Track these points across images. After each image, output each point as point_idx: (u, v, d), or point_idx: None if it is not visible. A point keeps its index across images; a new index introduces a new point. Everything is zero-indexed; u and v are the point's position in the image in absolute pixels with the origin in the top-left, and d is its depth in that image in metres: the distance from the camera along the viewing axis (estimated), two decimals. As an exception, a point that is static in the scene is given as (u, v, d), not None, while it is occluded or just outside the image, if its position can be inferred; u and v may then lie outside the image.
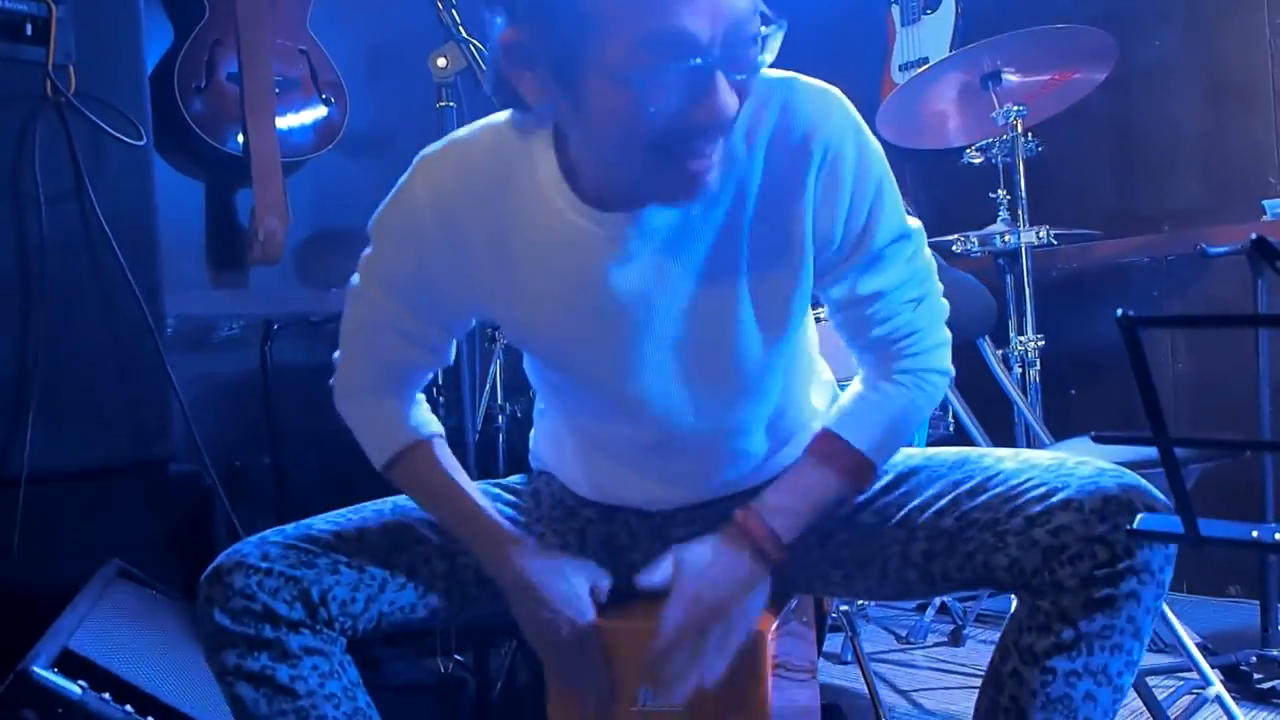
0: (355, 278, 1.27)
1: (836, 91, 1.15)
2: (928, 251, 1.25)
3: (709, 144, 1.02)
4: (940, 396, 1.27)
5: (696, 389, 1.21)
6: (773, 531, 1.17)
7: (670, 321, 1.16)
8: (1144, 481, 1.08)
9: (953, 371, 1.27)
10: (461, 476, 1.27)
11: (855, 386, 1.27)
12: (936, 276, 1.26)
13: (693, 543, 1.19)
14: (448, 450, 1.31)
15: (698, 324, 1.17)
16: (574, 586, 1.20)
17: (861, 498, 1.23)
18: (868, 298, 1.20)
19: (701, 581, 1.14)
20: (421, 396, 1.33)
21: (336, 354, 1.32)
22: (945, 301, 1.27)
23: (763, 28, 1.00)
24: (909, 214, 1.23)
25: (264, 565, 1.17)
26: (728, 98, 0.98)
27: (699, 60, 0.96)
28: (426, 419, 1.31)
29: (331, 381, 1.34)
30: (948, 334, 1.27)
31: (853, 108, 1.16)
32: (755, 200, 1.14)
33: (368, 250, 1.25)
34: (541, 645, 1.22)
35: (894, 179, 1.19)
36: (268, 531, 1.24)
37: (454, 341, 1.31)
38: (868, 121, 1.17)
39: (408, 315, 1.24)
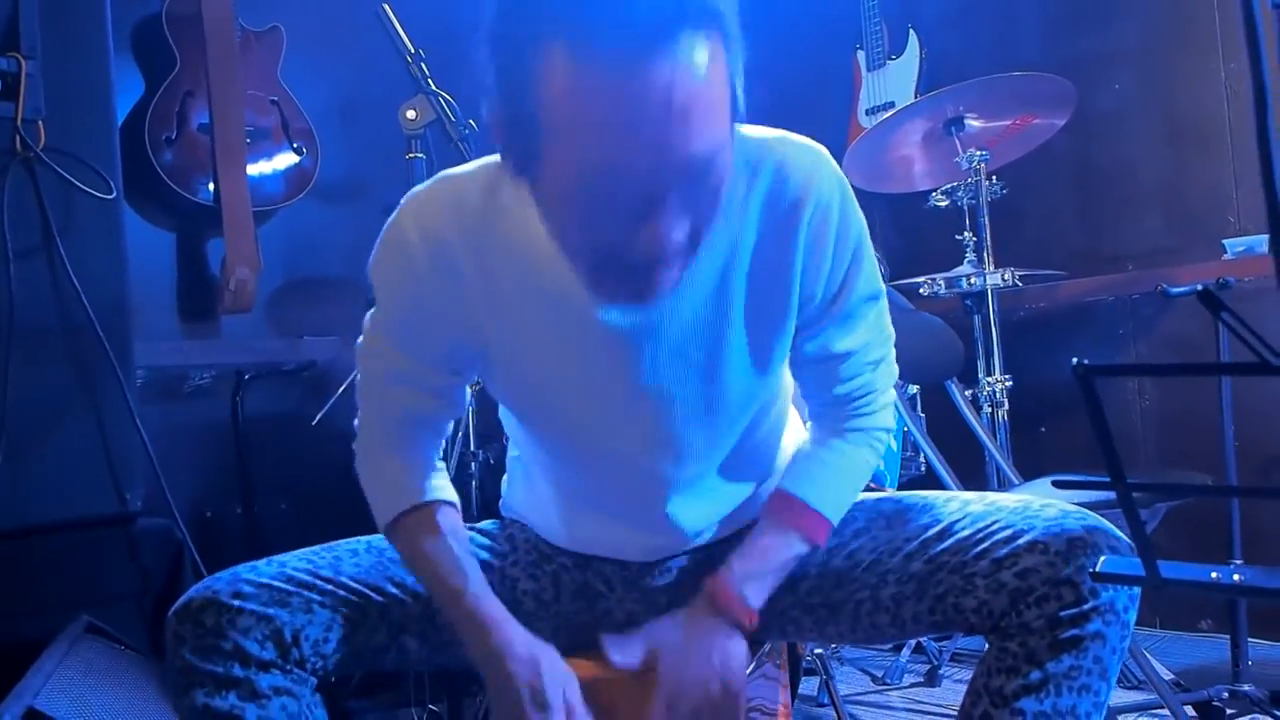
0: (360, 340, 1.26)
1: (824, 150, 1.17)
2: (888, 314, 1.28)
3: (651, 266, 0.97)
4: (883, 450, 1.31)
5: (678, 433, 1.21)
6: (743, 599, 1.17)
7: (657, 365, 1.17)
8: (1107, 523, 1.10)
9: (894, 427, 1.30)
10: (460, 549, 1.23)
11: (806, 443, 1.28)
12: (894, 339, 1.29)
13: (664, 624, 1.18)
14: (455, 521, 1.27)
15: (684, 369, 1.17)
16: (552, 686, 1.15)
17: (832, 543, 1.24)
18: (839, 356, 1.23)
19: (684, 672, 1.13)
20: (441, 465, 1.31)
21: (356, 420, 1.31)
22: (896, 365, 1.30)
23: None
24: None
25: (236, 603, 1.15)
26: (672, 230, 0.95)
27: (636, 192, 0.92)
28: (437, 485, 1.28)
29: (354, 445, 1.31)
30: (894, 393, 1.31)
31: (838, 166, 1.17)
32: (749, 257, 1.15)
33: (371, 309, 1.24)
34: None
35: (870, 240, 1.22)
36: (240, 568, 1.21)
37: (465, 387, 1.29)
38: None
39: (412, 362, 1.22)
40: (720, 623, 1.17)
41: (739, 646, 1.17)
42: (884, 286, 1.26)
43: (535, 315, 1.16)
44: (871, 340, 1.24)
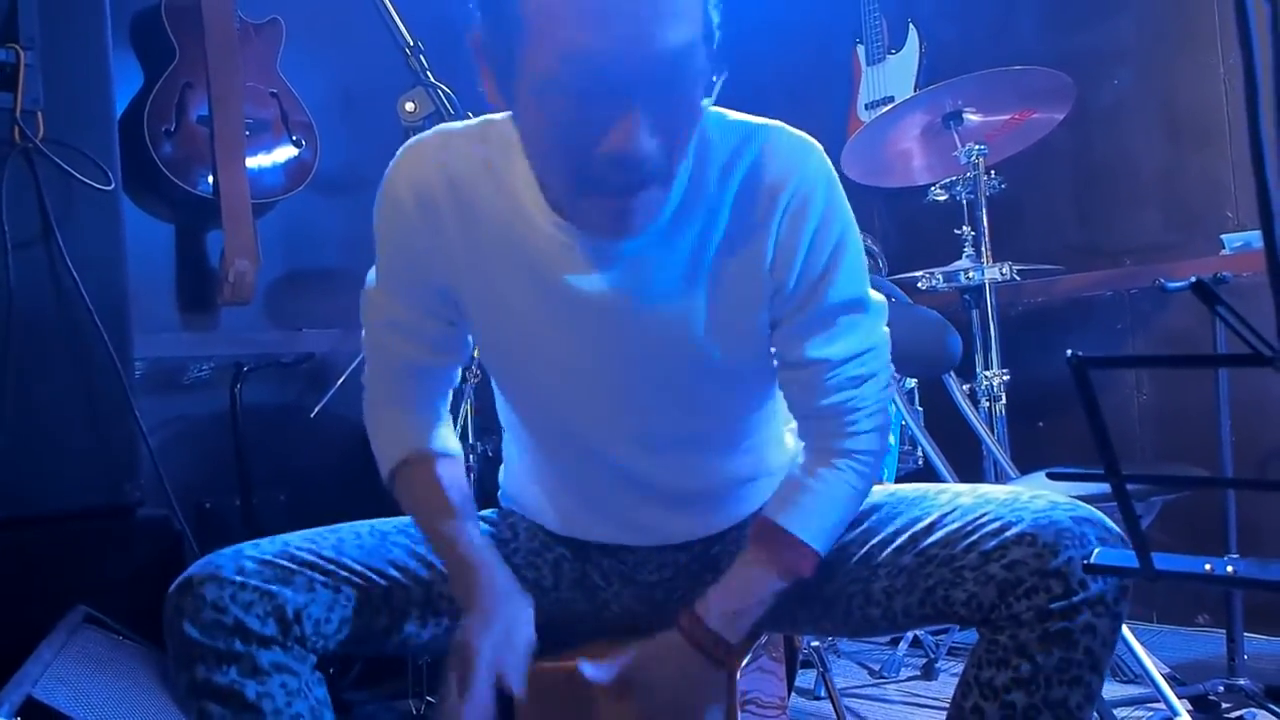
0: (364, 295, 1.29)
1: (817, 144, 1.16)
2: (884, 330, 1.23)
3: (623, 181, 1.00)
4: (877, 475, 1.24)
5: (646, 410, 1.21)
6: (720, 639, 1.16)
7: (630, 341, 1.17)
8: (1098, 513, 1.10)
9: (881, 450, 1.23)
10: (456, 496, 1.25)
11: (795, 468, 1.23)
12: (889, 359, 1.24)
13: (644, 649, 1.18)
14: (456, 470, 1.29)
15: (653, 342, 1.17)
16: (515, 649, 1.16)
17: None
18: (815, 363, 1.17)
19: (660, 705, 1.14)
20: (448, 417, 1.33)
21: (365, 374, 1.34)
22: (891, 384, 1.25)
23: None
24: (871, 266, 1.23)
25: (238, 579, 1.15)
26: (642, 137, 0.97)
27: (607, 87, 0.95)
28: (441, 436, 1.31)
29: (364, 398, 1.34)
30: (888, 417, 1.25)
31: (829, 162, 1.16)
32: (722, 233, 1.15)
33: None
34: (455, 666, 1.16)
35: (860, 246, 1.19)
36: (243, 545, 1.22)
37: (464, 338, 1.29)
38: (834, 159, 1.19)
39: (408, 310, 1.24)
40: (696, 659, 1.16)
41: (716, 677, 1.16)
42: (876, 298, 1.21)
43: (508, 277, 1.17)
44: (854, 352, 1.18)
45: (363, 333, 1.32)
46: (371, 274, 1.28)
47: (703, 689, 1.16)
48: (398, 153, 1.21)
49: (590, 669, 1.16)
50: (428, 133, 1.21)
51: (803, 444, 1.26)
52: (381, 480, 1.32)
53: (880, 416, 1.23)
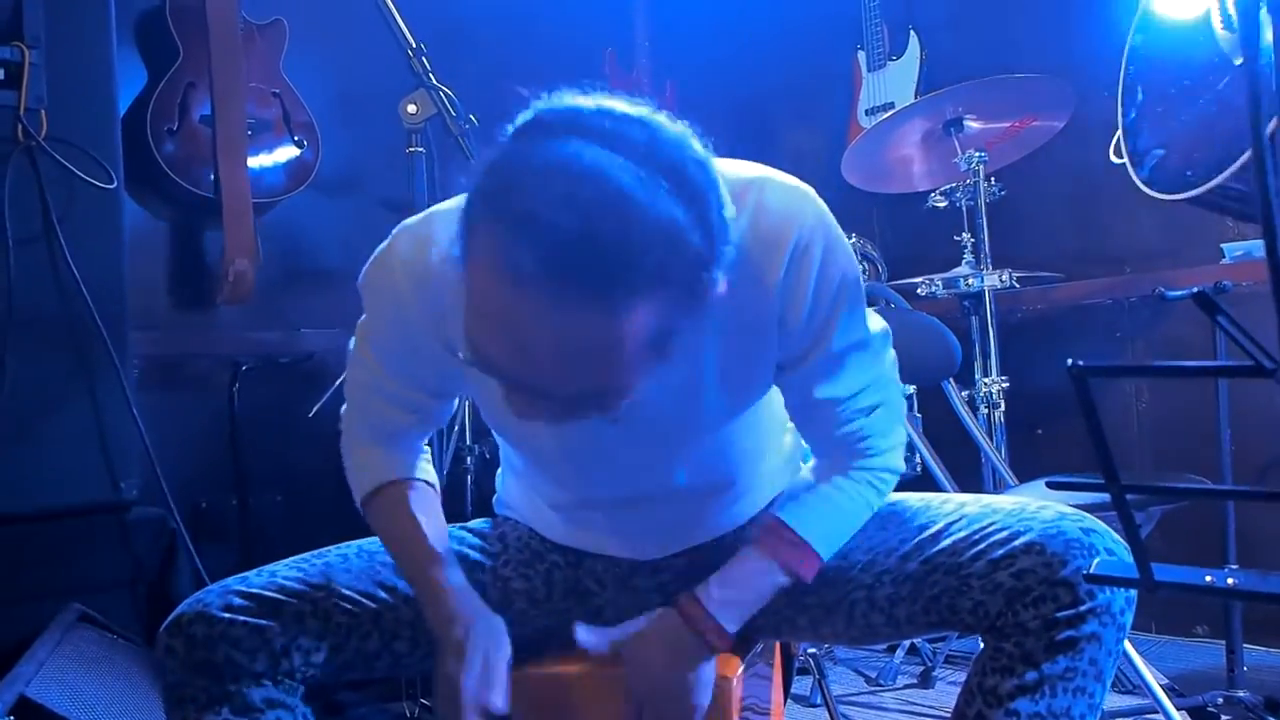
0: (353, 340, 1.27)
1: (808, 189, 1.14)
2: (891, 354, 1.23)
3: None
4: (889, 492, 1.25)
5: (663, 454, 1.21)
6: (719, 626, 1.16)
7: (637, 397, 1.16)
8: (1104, 525, 1.11)
9: (904, 469, 1.26)
10: (430, 524, 1.24)
11: (808, 476, 1.25)
12: (897, 378, 1.25)
13: (636, 631, 1.18)
14: (430, 498, 1.28)
15: (662, 394, 1.13)
16: (494, 670, 1.16)
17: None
18: (823, 403, 1.18)
19: (651, 684, 1.15)
20: (427, 452, 1.32)
21: (344, 407, 1.32)
22: (903, 401, 1.26)
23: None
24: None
25: (227, 616, 1.16)
26: (529, 411, 0.98)
27: (497, 377, 0.96)
28: (417, 465, 1.30)
29: (340, 427, 1.33)
30: (904, 434, 1.26)
31: (824, 205, 1.14)
32: (727, 288, 1.12)
33: (363, 315, 1.25)
34: (442, 707, 1.17)
35: (860, 286, 1.17)
36: (230, 579, 1.22)
37: (449, 403, 1.30)
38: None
39: (394, 381, 1.23)
40: (692, 642, 1.16)
41: (708, 668, 1.17)
42: (877, 328, 1.21)
43: None
44: (863, 387, 1.18)
45: (346, 376, 1.30)
46: (359, 330, 1.25)
47: (692, 673, 1.15)
48: (392, 233, 1.19)
49: (585, 634, 1.17)
50: (419, 216, 1.19)
51: (814, 461, 1.27)
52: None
53: (894, 437, 1.24)
